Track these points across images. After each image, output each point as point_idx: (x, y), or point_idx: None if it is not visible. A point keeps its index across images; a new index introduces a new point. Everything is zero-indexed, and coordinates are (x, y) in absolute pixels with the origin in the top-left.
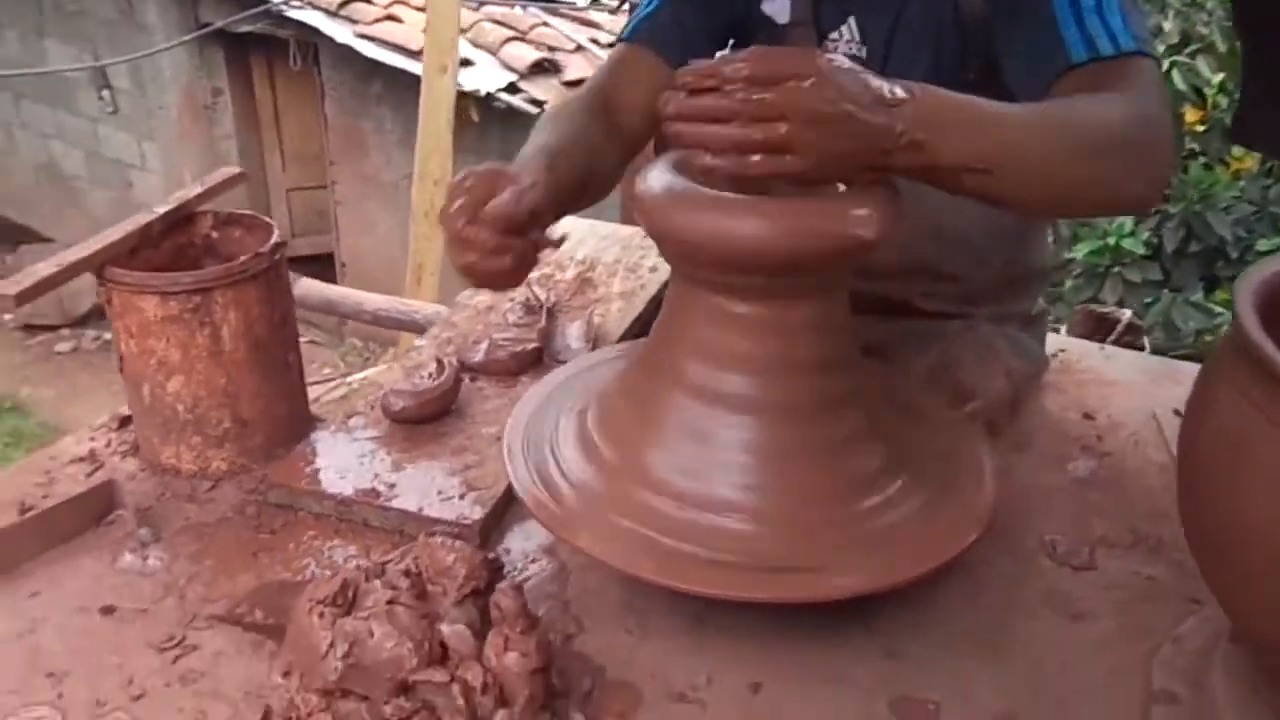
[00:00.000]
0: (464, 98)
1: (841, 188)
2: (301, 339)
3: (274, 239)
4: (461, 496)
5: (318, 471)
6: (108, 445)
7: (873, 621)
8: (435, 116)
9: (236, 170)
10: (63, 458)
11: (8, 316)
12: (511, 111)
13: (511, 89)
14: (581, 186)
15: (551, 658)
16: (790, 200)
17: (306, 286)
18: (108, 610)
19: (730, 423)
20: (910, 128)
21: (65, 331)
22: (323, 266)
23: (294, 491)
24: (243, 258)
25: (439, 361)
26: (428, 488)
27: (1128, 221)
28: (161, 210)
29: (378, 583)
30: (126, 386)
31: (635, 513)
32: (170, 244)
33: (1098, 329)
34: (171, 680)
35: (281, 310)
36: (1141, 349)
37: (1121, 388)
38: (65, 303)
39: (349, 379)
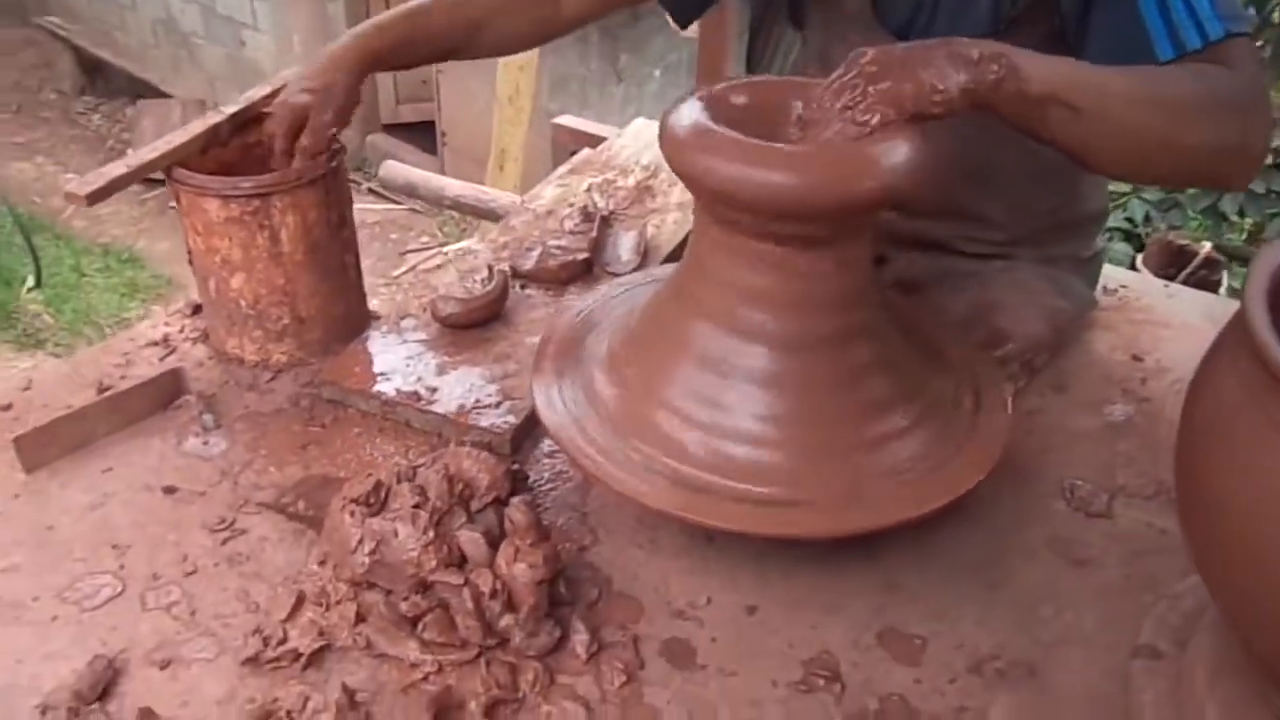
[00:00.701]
0: None
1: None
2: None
3: (333, 145)
4: (498, 405)
5: (367, 371)
6: (180, 331)
7: (874, 552)
8: None
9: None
10: (140, 340)
11: None
12: None
13: None
14: (442, 54)
15: (559, 569)
16: (817, 149)
17: (390, 168)
18: (169, 490)
19: (747, 353)
20: (1005, 51)
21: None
22: (425, 135)
23: (344, 389)
24: (299, 164)
25: (490, 268)
26: (467, 394)
27: None
28: (230, 111)
29: (406, 486)
30: (196, 279)
31: (650, 438)
32: (239, 142)
33: (1173, 261)
34: (220, 560)
35: (339, 213)
36: (1218, 284)
37: (1177, 330)
38: None
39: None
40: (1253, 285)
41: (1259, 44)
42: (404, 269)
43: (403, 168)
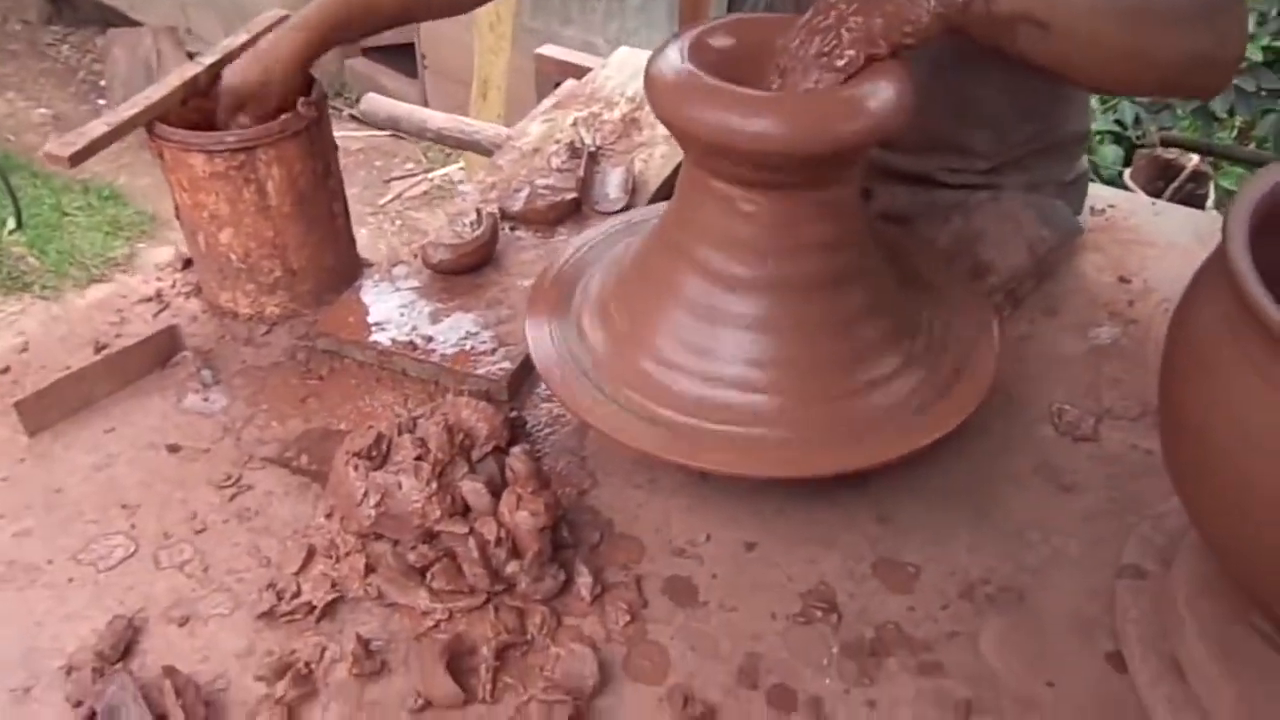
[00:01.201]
0: None
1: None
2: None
3: (314, 91)
4: (493, 351)
5: (362, 321)
6: (173, 286)
7: (868, 485)
8: None
9: (280, 14)
10: (132, 296)
11: (101, 102)
12: None
13: None
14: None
15: (561, 515)
16: (803, 95)
17: (371, 101)
18: (174, 448)
19: (736, 300)
20: None
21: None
22: (405, 57)
23: (340, 340)
24: (283, 116)
25: (478, 211)
26: (462, 341)
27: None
28: (208, 61)
29: (408, 438)
30: (184, 233)
31: (642, 385)
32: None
33: (1161, 174)
34: (229, 516)
35: (325, 162)
36: (1204, 197)
37: (1164, 249)
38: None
39: (430, 174)
40: (1234, 220)
41: None
42: (390, 197)
43: (384, 101)
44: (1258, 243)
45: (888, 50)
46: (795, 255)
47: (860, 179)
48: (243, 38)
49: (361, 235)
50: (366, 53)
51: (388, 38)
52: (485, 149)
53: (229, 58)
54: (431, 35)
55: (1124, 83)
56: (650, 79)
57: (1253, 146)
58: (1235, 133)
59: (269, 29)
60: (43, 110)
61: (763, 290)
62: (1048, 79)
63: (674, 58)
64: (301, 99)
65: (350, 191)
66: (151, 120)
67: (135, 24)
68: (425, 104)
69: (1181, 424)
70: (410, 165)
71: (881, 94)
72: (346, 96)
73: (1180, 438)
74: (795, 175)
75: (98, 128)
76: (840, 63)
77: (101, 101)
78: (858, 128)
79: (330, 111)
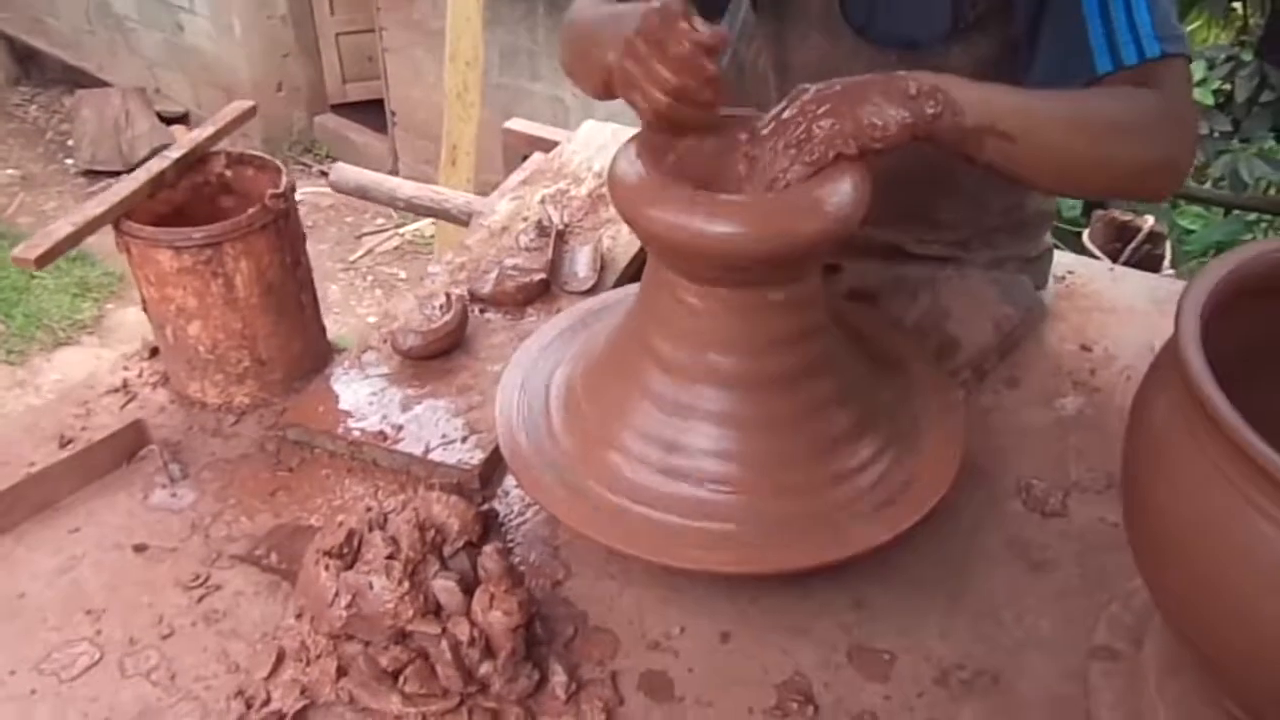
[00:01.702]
0: None
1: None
2: None
3: (283, 183)
4: (464, 440)
5: (332, 411)
6: (140, 375)
7: (839, 570)
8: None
9: (248, 104)
10: (99, 388)
11: (69, 161)
12: None
13: None
14: None
15: (534, 613)
16: (762, 197)
17: (340, 171)
18: (140, 548)
19: (703, 396)
20: (941, 85)
21: (125, 177)
22: (374, 113)
23: (310, 431)
24: (250, 210)
25: (448, 296)
26: (433, 430)
27: (1197, 70)
28: (175, 156)
29: (379, 535)
30: (151, 325)
31: (610, 480)
32: (187, 183)
33: (1118, 236)
34: (197, 619)
35: (293, 253)
36: (1161, 257)
37: (1124, 315)
38: (125, 149)
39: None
40: (1185, 313)
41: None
42: (361, 252)
43: (353, 170)
44: (1215, 326)
45: (856, 152)
46: (760, 351)
47: (821, 270)
48: (209, 129)
49: (333, 292)
50: (336, 109)
51: (356, 94)
52: (455, 217)
53: (196, 151)
54: (401, 92)
55: (1082, 188)
56: (612, 179)
57: (1208, 185)
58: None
59: (237, 119)
60: (10, 171)
61: (728, 385)
62: (1009, 181)
63: (633, 158)
64: (269, 191)
65: (321, 248)
66: (118, 216)
67: (104, 84)
68: (395, 158)
69: (1142, 509)
70: (381, 221)
71: (840, 194)
72: (316, 153)
73: (1141, 522)
74: (756, 274)
75: (63, 228)
76: (809, 159)
77: (69, 161)
78: (817, 229)
79: (299, 167)
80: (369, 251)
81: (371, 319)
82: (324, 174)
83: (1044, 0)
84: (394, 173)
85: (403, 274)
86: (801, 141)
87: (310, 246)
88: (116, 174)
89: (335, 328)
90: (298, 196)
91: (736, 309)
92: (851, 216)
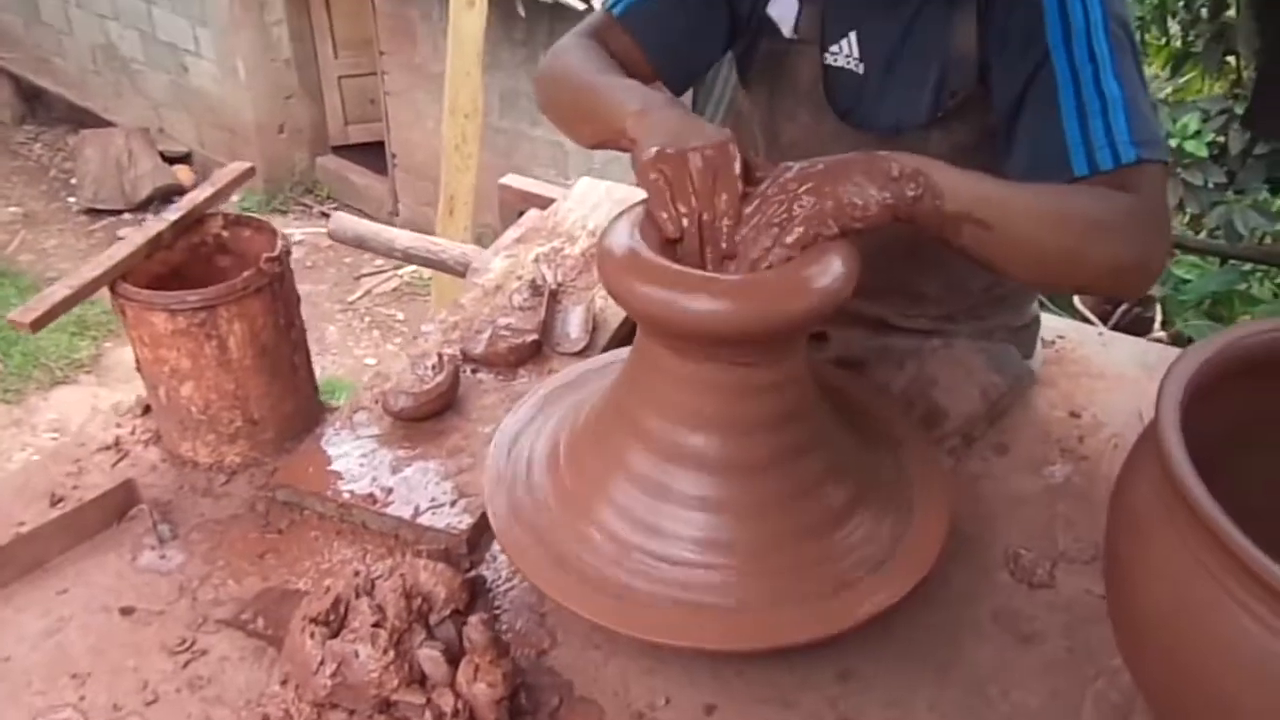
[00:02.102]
0: None
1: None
2: None
3: (279, 245)
4: (453, 503)
5: (322, 472)
6: (132, 433)
7: (827, 643)
8: (464, 51)
9: (247, 166)
10: (91, 445)
11: (72, 200)
12: (558, 6)
13: None
14: None
15: (519, 684)
16: (746, 277)
17: (338, 221)
18: (127, 611)
19: (687, 480)
20: (923, 168)
21: (127, 216)
22: (375, 154)
23: (300, 492)
24: (245, 273)
25: (440, 356)
26: (422, 493)
27: (1191, 123)
28: (172, 218)
29: (365, 602)
30: (145, 385)
31: (595, 554)
32: (184, 243)
33: (1108, 299)
34: (181, 686)
35: (287, 315)
36: (1151, 319)
37: (1112, 381)
38: (127, 188)
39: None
40: (1165, 399)
41: (1191, 38)
42: (359, 293)
43: (351, 220)
44: (1200, 406)
45: (837, 231)
46: (748, 433)
47: (806, 343)
48: (208, 191)
49: (330, 333)
50: (337, 150)
51: (358, 136)
52: (451, 268)
53: (193, 213)
54: (401, 134)
55: (1054, 282)
56: (601, 254)
57: (1204, 235)
58: (1188, 218)
59: (235, 181)
60: (13, 208)
61: (715, 469)
62: (985, 270)
63: (623, 232)
64: (265, 255)
65: (319, 288)
66: (114, 280)
67: (108, 124)
68: (395, 200)
69: (1123, 592)
70: (380, 263)
71: (828, 273)
72: (317, 194)
73: (1122, 605)
74: (743, 352)
75: (59, 291)
76: (789, 238)
77: (72, 199)
78: (804, 307)
79: (300, 208)
80: (367, 293)
81: (370, 360)
82: (324, 215)
83: (1022, 98)
84: (394, 213)
85: (400, 315)
86: (783, 221)
87: (308, 287)
88: (118, 213)
89: (332, 369)
90: (298, 237)
91: (722, 388)
92: (839, 294)
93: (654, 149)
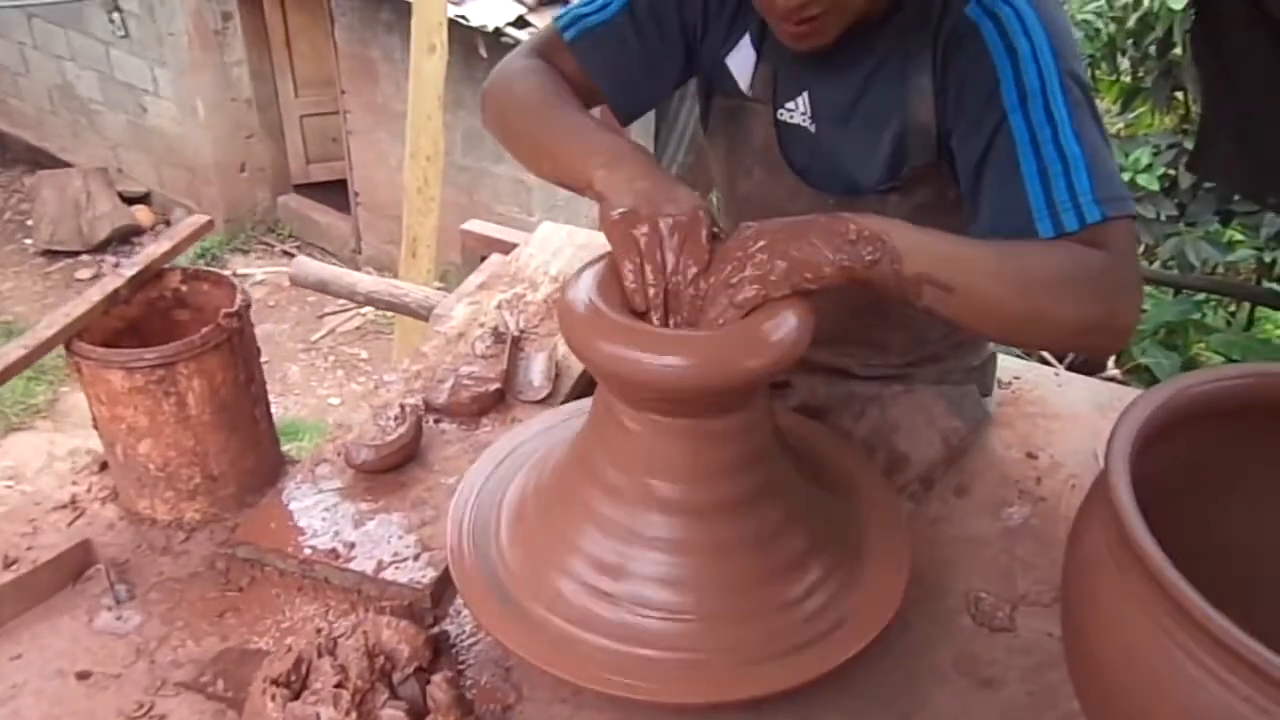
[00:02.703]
0: (472, 32)
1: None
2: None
3: (238, 300)
4: (416, 557)
5: (284, 528)
6: (88, 490)
7: (790, 694)
8: (425, 95)
9: (205, 219)
10: (46, 504)
11: (28, 241)
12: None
13: (520, 23)
14: None
15: None
16: (706, 334)
17: (300, 266)
18: (83, 675)
19: (648, 522)
20: (882, 231)
21: (85, 257)
22: (338, 192)
23: (261, 549)
24: (204, 330)
25: (402, 407)
26: (385, 548)
27: (1143, 157)
28: (129, 273)
29: (327, 661)
30: (102, 442)
31: (560, 607)
32: (142, 298)
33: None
34: None
35: (247, 371)
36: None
37: (1068, 421)
38: (85, 229)
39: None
40: (1114, 453)
41: (1140, 74)
42: (323, 332)
43: (313, 264)
44: (1147, 453)
45: (788, 292)
46: (706, 479)
47: (767, 393)
48: (165, 245)
49: (293, 372)
50: (299, 189)
51: (320, 174)
52: (414, 311)
53: (151, 268)
54: (364, 173)
55: (1020, 341)
56: (562, 310)
57: (1157, 266)
58: (1142, 254)
59: (193, 235)
60: None
61: (673, 512)
62: (949, 327)
63: (585, 287)
64: (224, 310)
65: (282, 328)
66: (71, 336)
67: (65, 165)
68: (358, 238)
69: (1076, 641)
70: (343, 301)
71: (784, 329)
72: (279, 232)
73: (1075, 653)
74: (702, 406)
75: (14, 352)
76: (739, 297)
77: (29, 241)
78: (762, 363)
79: (262, 247)
80: (331, 331)
81: (333, 400)
82: (287, 254)
83: (983, 163)
84: (357, 251)
85: (364, 354)
86: (739, 281)
87: (270, 326)
88: (76, 254)
89: (295, 409)
90: (259, 276)
91: (678, 435)
92: (796, 349)
93: (622, 210)
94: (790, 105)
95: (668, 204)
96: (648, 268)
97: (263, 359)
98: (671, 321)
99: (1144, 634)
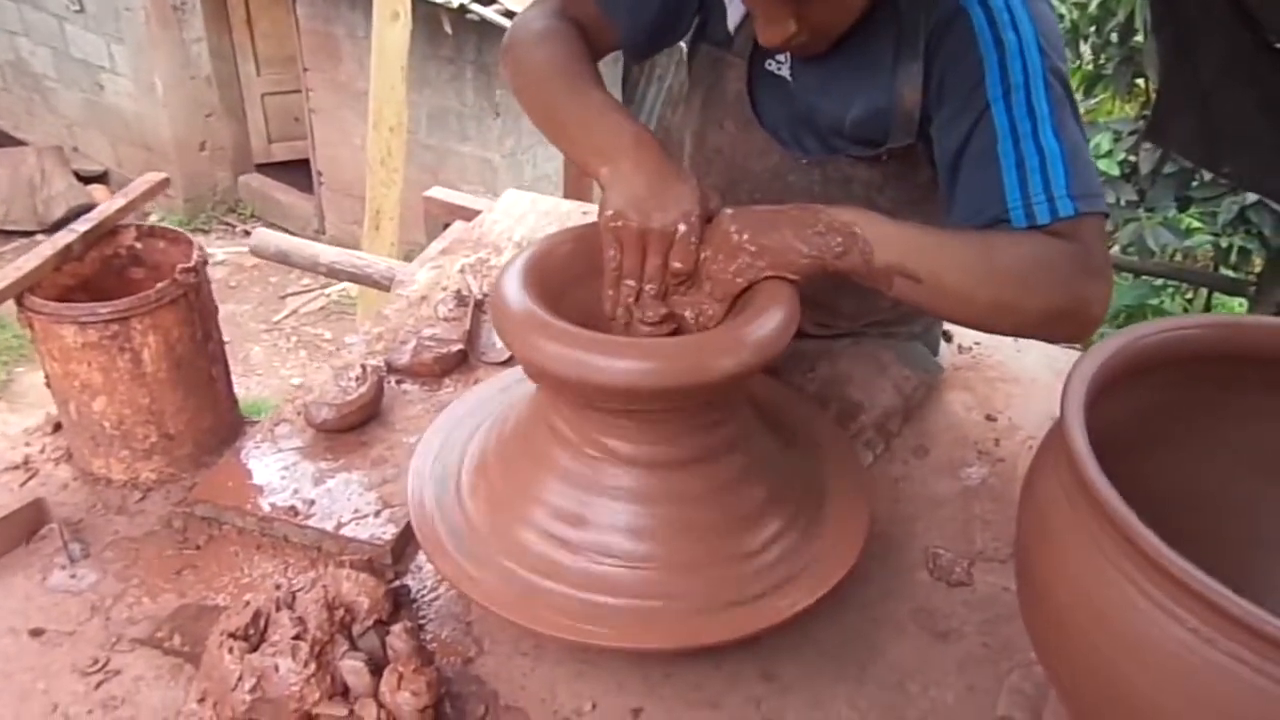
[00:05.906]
0: (436, 9)
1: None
2: None
3: (195, 256)
4: (377, 514)
5: (242, 486)
6: (42, 451)
7: (751, 643)
8: (388, 65)
9: (161, 176)
10: None
11: None
12: (485, 23)
13: (485, 0)
14: None
15: (443, 693)
16: (667, 341)
17: (261, 237)
18: (36, 632)
19: (608, 474)
20: (852, 222)
21: (40, 237)
22: (300, 172)
23: (219, 507)
24: (159, 285)
25: (363, 368)
26: (345, 505)
27: (1104, 143)
28: (82, 229)
29: (286, 614)
30: (55, 401)
31: (521, 556)
32: (96, 255)
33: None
34: (93, 707)
35: (204, 327)
36: None
37: (1027, 385)
38: (40, 209)
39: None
40: (1070, 398)
41: (1102, 61)
42: (285, 313)
43: (274, 235)
44: (1098, 408)
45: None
46: (671, 437)
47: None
48: (119, 202)
49: (255, 353)
50: (261, 168)
51: (282, 154)
52: (377, 282)
53: (105, 224)
54: (327, 152)
55: (990, 328)
56: (497, 306)
57: (1116, 251)
58: None
59: (148, 192)
60: None
61: (637, 465)
62: (920, 313)
63: (515, 286)
64: (180, 265)
65: (244, 309)
66: (22, 292)
67: (19, 143)
68: (321, 218)
69: (1031, 585)
70: (306, 281)
71: (765, 326)
72: (240, 212)
73: (1030, 598)
74: (667, 408)
75: None
76: (720, 294)
77: None
78: (730, 363)
79: (223, 227)
80: (293, 312)
81: (296, 380)
82: (248, 233)
83: (962, 151)
84: (320, 232)
85: (328, 334)
86: (716, 273)
87: (232, 307)
88: (31, 234)
89: (258, 390)
90: (220, 256)
91: (639, 423)
92: (774, 344)
93: (610, 214)
94: (780, 58)
95: (657, 211)
96: (626, 277)
97: (224, 340)
98: (631, 325)
99: (1101, 578)
